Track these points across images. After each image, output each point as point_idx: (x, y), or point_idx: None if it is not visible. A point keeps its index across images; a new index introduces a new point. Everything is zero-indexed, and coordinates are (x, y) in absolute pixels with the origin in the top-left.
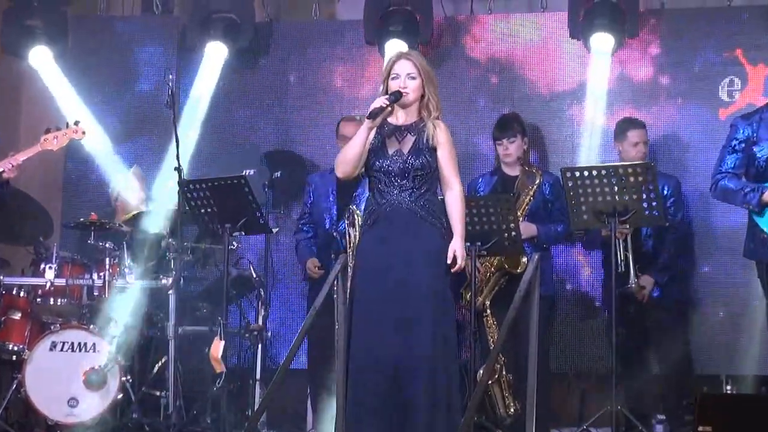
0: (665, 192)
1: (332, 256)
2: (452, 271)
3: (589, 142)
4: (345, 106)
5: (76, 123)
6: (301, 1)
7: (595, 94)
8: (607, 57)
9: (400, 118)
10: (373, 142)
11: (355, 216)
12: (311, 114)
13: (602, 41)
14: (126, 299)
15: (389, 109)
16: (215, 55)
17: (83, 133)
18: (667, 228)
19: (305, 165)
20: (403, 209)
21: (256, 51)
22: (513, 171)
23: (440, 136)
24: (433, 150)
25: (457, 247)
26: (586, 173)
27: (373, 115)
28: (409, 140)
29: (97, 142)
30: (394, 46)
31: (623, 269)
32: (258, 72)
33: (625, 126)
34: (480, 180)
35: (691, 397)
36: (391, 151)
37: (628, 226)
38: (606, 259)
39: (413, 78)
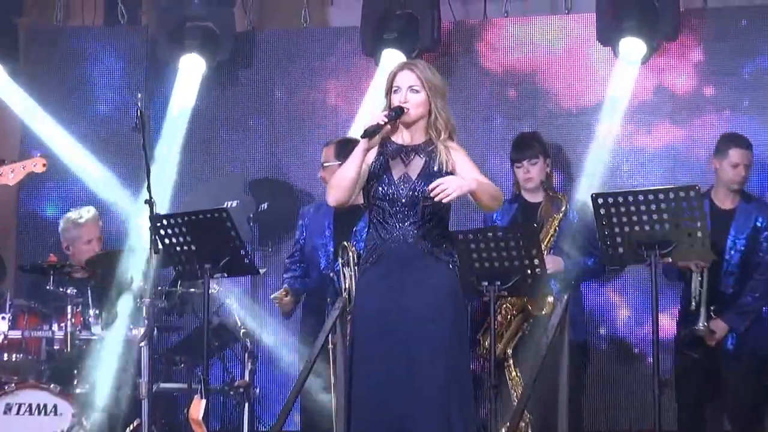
0: (759, 224)
1: (328, 300)
2: (432, 195)
3: (624, 163)
4: (341, 126)
5: (39, 154)
6: (288, 5)
7: (618, 108)
8: (635, 66)
9: (405, 137)
10: (375, 165)
11: (350, 253)
12: (302, 136)
13: (631, 47)
14: (91, 353)
15: (388, 127)
16: (191, 69)
17: (44, 165)
18: (756, 266)
19: (295, 195)
20: (410, 244)
21: (236, 64)
22: (535, 197)
23: (455, 155)
24: (447, 175)
25: (450, 178)
26: (620, 199)
27: (368, 134)
28: (418, 163)
29: (60, 171)
30: (391, 56)
31: (694, 307)
32: (240, 88)
33: (727, 143)
34: None
35: None
36: (396, 176)
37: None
38: (683, 294)
39: (416, 91)
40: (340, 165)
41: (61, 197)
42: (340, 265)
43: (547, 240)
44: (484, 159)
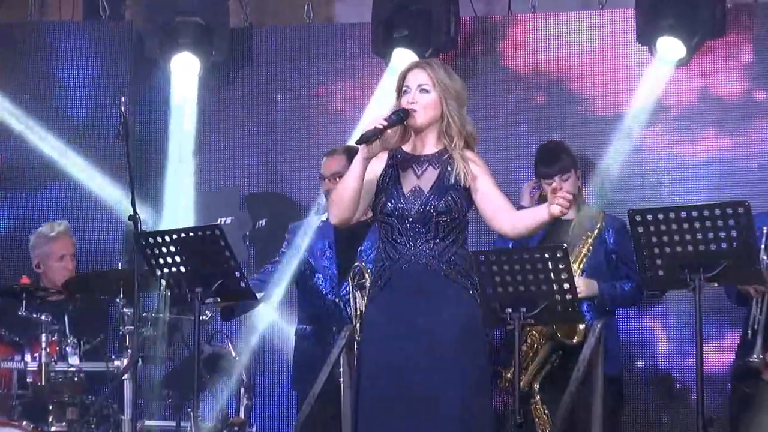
0: None
1: (333, 329)
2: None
3: (665, 176)
4: (347, 133)
5: None
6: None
7: (656, 114)
8: (671, 67)
9: (417, 145)
10: (383, 177)
11: (365, 274)
12: (304, 144)
13: (669, 47)
14: (68, 386)
15: (389, 132)
16: (185, 69)
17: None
18: None
19: (296, 210)
20: (423, 265)
21: (231, 64)
22: (566, 214)
23: (474, 169)
24: (464, 190)
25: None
26: (660, 216)
27: (364, 140)
28: (431, 175)
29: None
30: (402, 56)
31: (751, 336)
32: (235, 91)
33: None
34: None
35: None
36: (407, 189)
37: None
38: (744, 321)
39: (426, 91)
40: None
41: (29, 211)
42: (351, 288)
43: (579, 261)
44: (508, 170)
